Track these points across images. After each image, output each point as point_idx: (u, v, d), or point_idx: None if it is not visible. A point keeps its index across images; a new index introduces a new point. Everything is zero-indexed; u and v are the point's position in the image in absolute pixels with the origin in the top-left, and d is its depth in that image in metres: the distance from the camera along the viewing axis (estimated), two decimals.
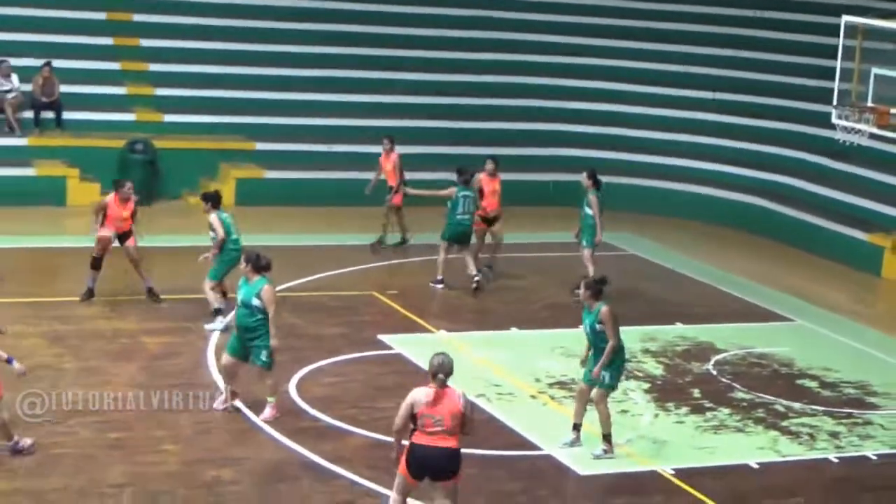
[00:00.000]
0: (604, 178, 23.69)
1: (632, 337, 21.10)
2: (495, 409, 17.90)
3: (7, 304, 20.80)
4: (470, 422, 13.13)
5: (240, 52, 31.80)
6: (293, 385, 18.13)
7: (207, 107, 30.45)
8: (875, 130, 23.37)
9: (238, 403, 17.00)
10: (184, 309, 20.97)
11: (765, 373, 20.43)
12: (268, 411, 16.83)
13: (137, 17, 31.94)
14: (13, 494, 14.30)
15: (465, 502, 14.78)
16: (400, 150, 25.71)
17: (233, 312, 17.99)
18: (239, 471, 15.41)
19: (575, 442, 16.60)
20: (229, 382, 16.95)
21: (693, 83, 33.16)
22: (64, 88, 29.16)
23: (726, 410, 18.56)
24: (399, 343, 20.34)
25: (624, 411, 17.91)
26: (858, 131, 23.69)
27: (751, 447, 17.32)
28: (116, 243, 21.22)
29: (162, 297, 21.36)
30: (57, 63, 29.25)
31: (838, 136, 24.44)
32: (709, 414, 18.39)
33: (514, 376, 19.36)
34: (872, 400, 19.53)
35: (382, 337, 20.58)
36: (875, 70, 23.26)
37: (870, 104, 23.29)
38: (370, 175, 25.99)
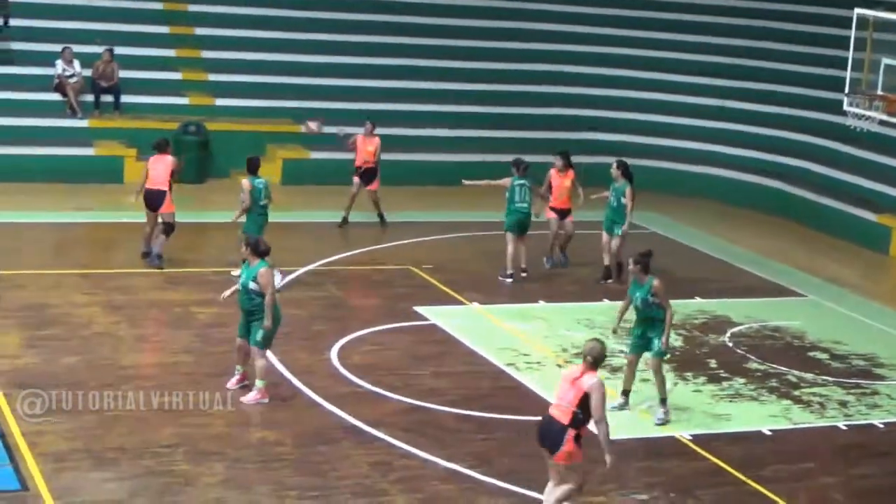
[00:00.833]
0: (629, 161, 23.46)
1: None
2: (525, 378, 17.82)
3: (68, 274, 20.85)
4: (596, 410, 12.61)
5: (286, 41, 31.70)
6: (334, 353, 18.08)
7: (256, 91, 30.39)
8: (884, 117, 23.25)
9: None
10: (232, 282, 20.92)
11: (778, 345, 20.29)
12: (252, 394, 16.18)
13: (192, 8, 31.90)
14: (73, 454, 14.31)
15: (499, 462, 14.84)
16: (431, 132, 25.50)
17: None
18: (283, 433, 15.37)
19: (623, 406, 16.66)
20: (241, 363, 16.51)
21: (711, 72, 32.89)
22: (123, 74, 29.15)
23: (741, 380, 18.45)
24: (433, 314, 20.25)
25: (645, 380, 17.79)
26: (869, 118, 23.56)
27: (764, 415, 17.21)
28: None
29: (210, 269, 21.34)
30: (118, 50, 29.23)
31: (849, 122, 24.31)
32: (725, 383, 18.29)
33: (543, 346, 19.27)
34: (880, 371, 19.39)
35: (418, 308, 20.50)
36: (885, 60, 23.10)
37: (880, 92, 23.14)
38: (407, 156, 25.83)
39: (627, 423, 16.29)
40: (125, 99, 29.18)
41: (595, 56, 33.41)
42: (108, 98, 29.12)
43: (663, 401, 16.53)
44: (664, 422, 16.47)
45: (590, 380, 12.75)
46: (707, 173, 31.04)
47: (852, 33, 23.60)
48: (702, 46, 33.53)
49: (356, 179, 25.25)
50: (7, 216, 24.16)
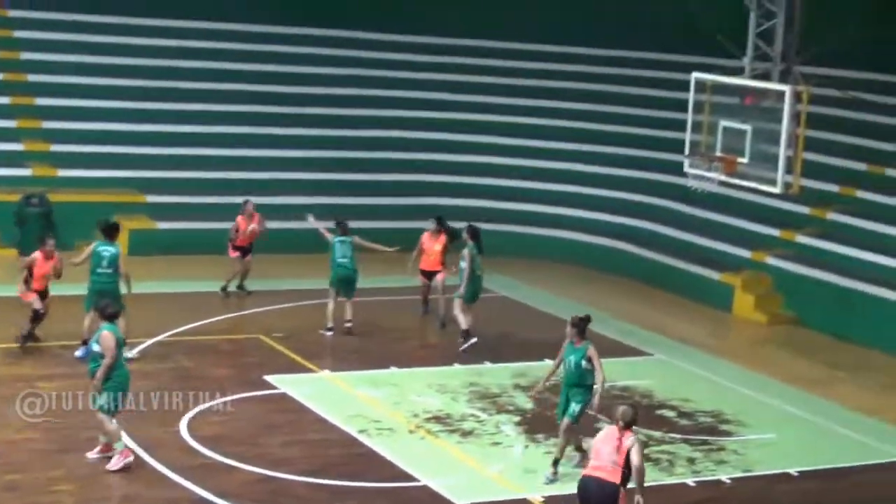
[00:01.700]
0: (480, 226, 24.00)
1: (503, 374, 21.34)
2: (376, 444, 17.90)
3: None
4: (636, 471, 13.67)
5: (130, 111, 31.51)
6: (184, 424, 17.98)
7: (100, 161, 30.14)
8: (723, 178, 23.79)
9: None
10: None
11: (627, 404, 20.55)
12: (115, 460, 16.17)
13: (32, 78, 31.58)
14: None
15: None
16: (285, 201, 25.67)
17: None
18: None
19: (555, 477, 16.93)
20: (102, 432, 16.43)
21: (558, 136, 33.47)
22: None
23: (591, 441, 18.69)
24: (284, 383, 20.27)
25: (496, 443, 18.00)
26: (709, 179, 24.13)
27: None
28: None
29: (58, 343, 21.09)
30: None
31: (691, 183, 24.84)
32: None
33: (394, 412, 19.38)
34: (725, 427, 19.84)
35: (268, 377, 20.50)
36: (723, 122, 23.71)
37: (718, 154, 23.72)
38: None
39: (481, 486, 16.47)
40: None
41: (442, 121, 33.82)
42: None
43: (556, 461, 16.85)
44: (552, 481, 16.74)
45: (629, 440, 13.84)
46: (557, 236, 31.48)
47: (691, 96, 24.23)
48: (556, 112, 34.10)
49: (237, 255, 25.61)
50: None
